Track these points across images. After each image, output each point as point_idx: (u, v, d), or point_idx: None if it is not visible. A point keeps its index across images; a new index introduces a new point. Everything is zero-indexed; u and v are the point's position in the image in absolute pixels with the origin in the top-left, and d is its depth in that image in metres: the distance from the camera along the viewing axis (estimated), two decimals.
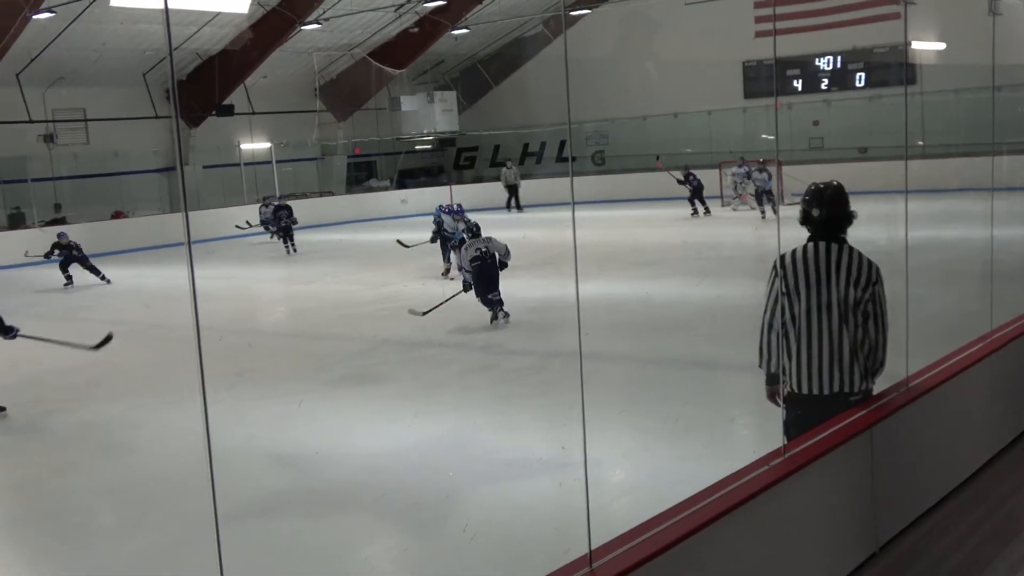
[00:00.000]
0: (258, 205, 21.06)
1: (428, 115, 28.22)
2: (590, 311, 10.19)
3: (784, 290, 3.90)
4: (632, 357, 8.67)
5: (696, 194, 21.05)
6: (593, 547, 2.86)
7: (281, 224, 19.08)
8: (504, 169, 26.40)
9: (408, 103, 28.26)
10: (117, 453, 6.93)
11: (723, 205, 21.67)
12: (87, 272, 16.00)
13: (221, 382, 8.25)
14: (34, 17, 18.81)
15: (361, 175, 29.86)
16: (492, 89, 30.34)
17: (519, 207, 24.98)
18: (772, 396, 4.09)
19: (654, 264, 14.51)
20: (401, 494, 5.60)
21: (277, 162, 26.46)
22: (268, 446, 6.76)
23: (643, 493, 5.04)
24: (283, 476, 6.18)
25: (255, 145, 26.19)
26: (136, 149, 23.73)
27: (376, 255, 18.14)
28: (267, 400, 8.06)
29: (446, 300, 10.71)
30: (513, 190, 25.68)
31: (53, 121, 22.29)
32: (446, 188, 27.92)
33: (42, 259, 16.45)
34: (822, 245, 3.93)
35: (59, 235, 16.42)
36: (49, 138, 22.25)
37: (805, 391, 3.92)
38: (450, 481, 5.65)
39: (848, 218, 3.97)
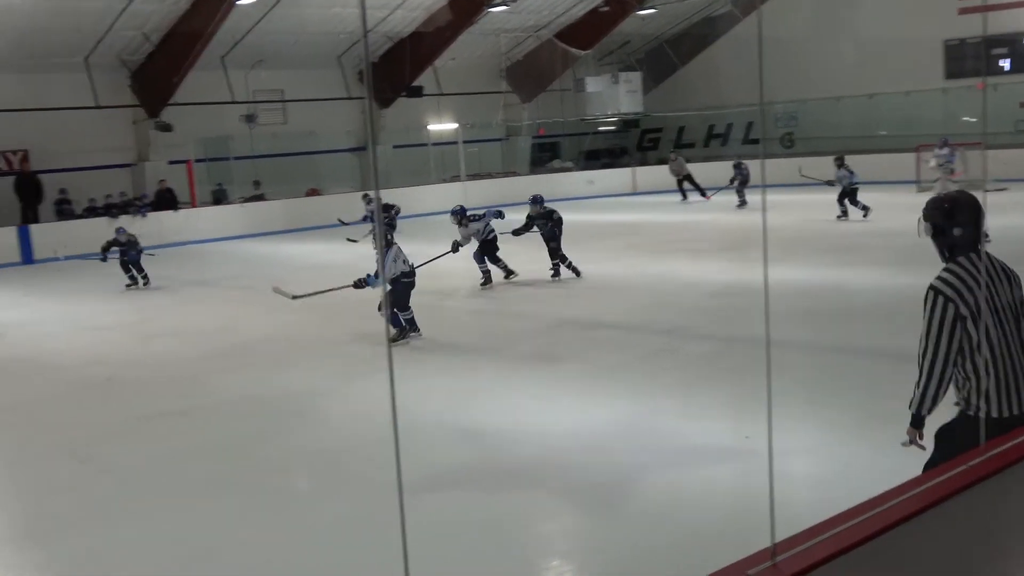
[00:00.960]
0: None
1: (612, 96, 28.12)
2: (778, 297, 9.97)
3: (965, 314, 3.55)
4: (821, 345, 8.38)
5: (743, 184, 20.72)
6: (776, 540, 2.79)
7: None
8: (669, 161, 24.94)
9: (593, 84, 28.26)
10: (314, 420, 7.27)
11: (919, 191, 20.33)
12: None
13: (407, 356, 8.63)
14: (238, 3, 20.07)
15: (545, 156, 30.11)
16: (678, 70, 29.86)
17: (702, 192, 23.74)
18: (916, 438, 3.76)
19: (847, 251, 13.96)
20: (580, 474, 5.65)
21: (463, 143, 27.15)
22: (453, 420, 6.94)
23: (831, 487, 4.89)
24: (466, 450, 6.32)
25: (442, 126, 26.91)
26: (330, 129, 24.80)
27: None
28: (450, 375, 8.31)
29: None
30: (686, 180, 24.26)
31: (254, 102, 23.52)
32: (628, 170, 27.78)
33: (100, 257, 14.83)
34: (973, 258, 3.62)
35: (118, 230, 15.10)
36: (250, 118, 23.43)
37: (1006, 414, 3.58)
38: (630, 464, 5.65)
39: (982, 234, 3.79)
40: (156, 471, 6.36)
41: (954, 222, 3.63)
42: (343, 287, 10.13)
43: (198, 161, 23.29)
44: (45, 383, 9.04)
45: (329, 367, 8.90)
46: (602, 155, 30.30)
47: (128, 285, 14.41)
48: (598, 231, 16.72)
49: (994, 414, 3.57)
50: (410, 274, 9.60)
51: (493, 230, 13.08)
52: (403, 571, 2.33)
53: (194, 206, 22.62)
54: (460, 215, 12.72)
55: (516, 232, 13.37)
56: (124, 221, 18.12)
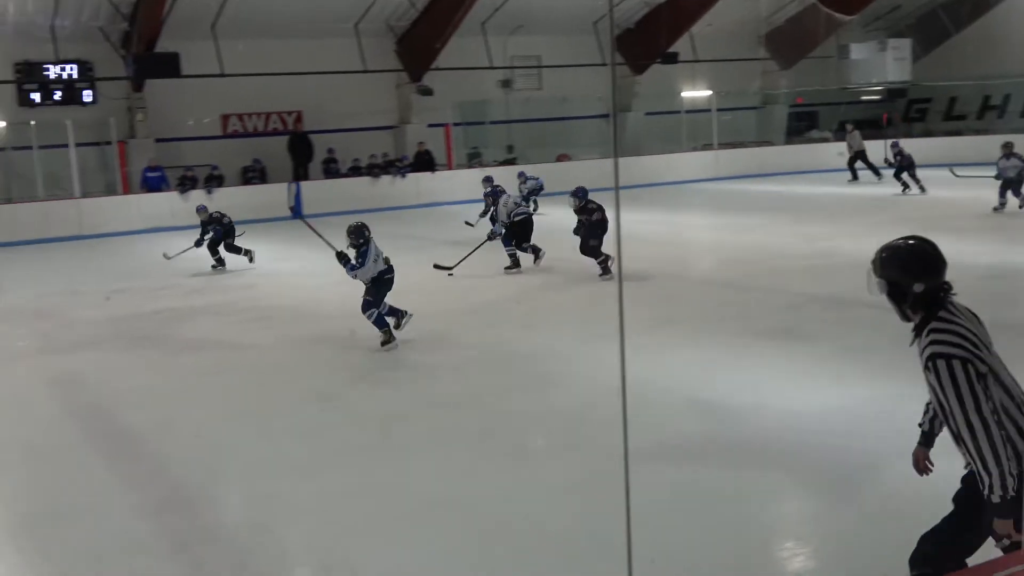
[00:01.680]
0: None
1: (879, 64, 26.43)
2: None
3: (984, 371, 3.01)
4: None
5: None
6: None
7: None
8: (847, 133, 22.90)
9: (858, 51, 26.70)
10: (552, 382, 7.40)
11: None
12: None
13: (642, 325, 8.50)
14: None
15: (801, 125, 28.81)
16: (952, 37, 27.59)
17: (875, 172, 21.48)
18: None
19: None
20: (820, 456, 5.46)
21: (717, 110, 26.51)
22: (688, 392, 6.87)
23: None
24: (700, 423, 6.25)
25: (696, 93, 26.43)
26: (583, 95, 24.78)
27: (811, 209, 17.62)
28: (689, 347, 8.19)
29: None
30: (858, 157, 22.15)
31: (511, 67, 24.07)
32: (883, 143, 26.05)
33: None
34: (951, 308, 3.14)
35: (199, 208, 14.35)
36: (507, 83, 24.12)
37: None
38: (878, 451, 5.38)
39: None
40: (399, 419, 6.70)
41: (917, 277, 3.15)
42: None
43: (455, 125, 24.08)
44: (303, 331, 9.67)
45: (569, 331, 9.01)
46: (863, 126, 28.57)
47: (213, 266, 13.81)
48: (855, 205, 15.83)
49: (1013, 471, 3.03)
50: (388, 270, 8.69)
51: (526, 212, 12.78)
52: (626, 537, 2.40)
53: (450, 168, 23.62)
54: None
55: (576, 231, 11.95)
56: (366, 183, 19.36)
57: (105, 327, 10.35)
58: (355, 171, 22.37)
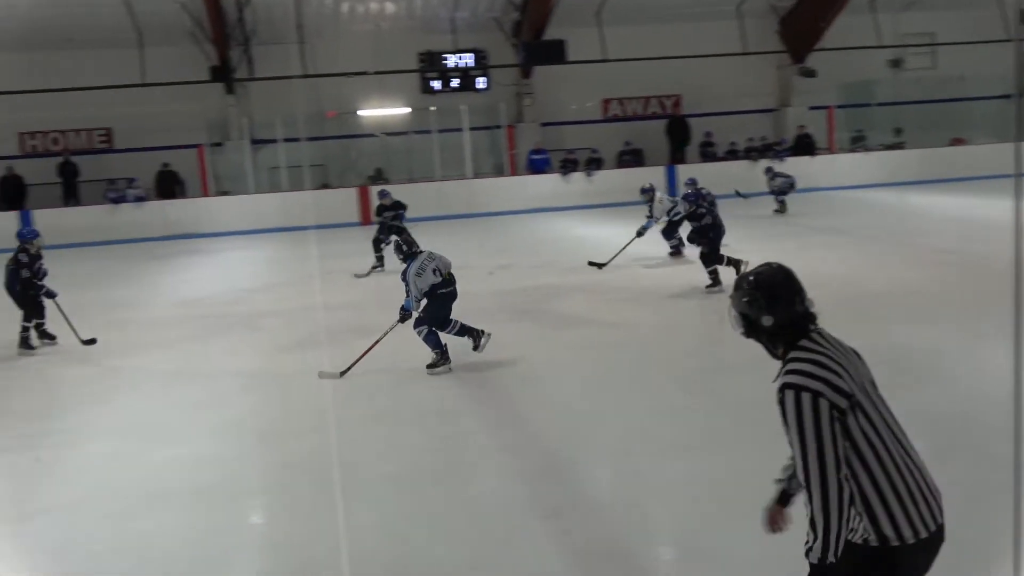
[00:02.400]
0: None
1: None
2: None
3: (844, 406, 2.73)
4: None
5: None
6: None
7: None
8: None
9: None
10: (930, 380, 7.20)
11: None
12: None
13: None
14: None
15: None
16: None
17: None
18: None
19: None
20: None
21: None
22: None
23: None
24: None
25: None
26: (982, 74, 23.57)
27: None
28: None
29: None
30: None
31: (901, 46, 23.42)
32: None
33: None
34: (816, 337, 2.91)
35: (381, 193, 14.63)
36: (896, 63, 23.43)
37: (923, 535, 2.74)
38: None
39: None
40: (762, 408, 7.13)
41: (763, 310, 2.92)
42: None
43: (838, 107, 23.97)
44: (670, 314, 10.13)
45: (954, 327, 8.68)
46: None
47: (374, 267, 13.87)
48: None
49: (908, 537, 2.73)
50: (443, 284, 8.15)
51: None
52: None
53: (832, 152, 23.80)
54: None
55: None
56: (744, 166, 20.25)
57: (488, 300, 11.23)
58: (732, 154, 22.86)
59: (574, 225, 17.68)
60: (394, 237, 10.86)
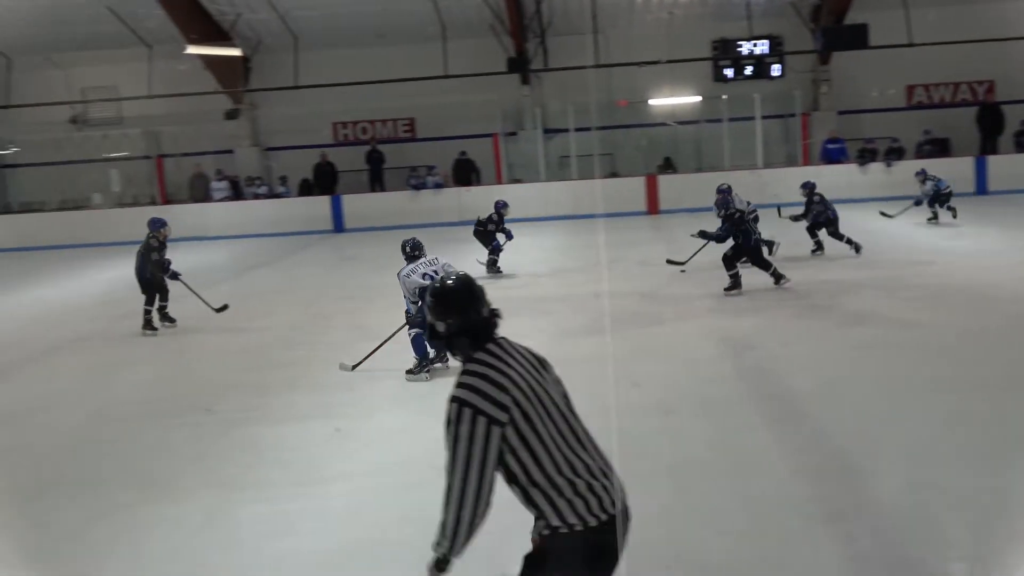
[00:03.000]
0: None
1: None
2: None
3: (505, 420, 3.10)
4: None
5: None
6: None
7: None
8: None
9: None
10: None
11: None
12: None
13: None
14: None
15: None
16: None
17: None
18: None
19: None
20: None
21: None
22: None
23: None
24: None
25: None
26: None
27: None
28: None
29: None
30: None
31: None
32: None
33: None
34: (493, 348, 3.24)
35: (805, 185, 14.48)
36: None
37: (603, 518, 3.17)
38: None
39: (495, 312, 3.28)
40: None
41: (438, 315, 3.27)
42: None
43: None
44: (972, 316, 9.81)
45: None
46: None
47: (813, 251, 14.11)
48: None
49: (592, 523, 3.14)
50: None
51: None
52: None
53: None
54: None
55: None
56: None
57: (774, 293, 11.38)
58: None
59: (869, 218, 17.95)
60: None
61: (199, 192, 23.94)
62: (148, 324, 11.59)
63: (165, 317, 11.84)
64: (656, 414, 7.14)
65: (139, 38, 23.42)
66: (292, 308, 12.76)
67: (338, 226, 22.43)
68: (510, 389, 3.11)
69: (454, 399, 3.09)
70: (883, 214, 16.68)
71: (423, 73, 22.44)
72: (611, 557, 3.23)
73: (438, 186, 22.60)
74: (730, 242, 11.88)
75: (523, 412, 3.11)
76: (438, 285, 3.37)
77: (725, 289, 11.68)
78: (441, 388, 7.90)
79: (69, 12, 21.76)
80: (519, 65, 22.81)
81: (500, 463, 3.12)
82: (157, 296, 11.64)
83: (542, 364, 3.32)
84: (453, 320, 3.26)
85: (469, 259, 15.82)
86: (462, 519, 3.10)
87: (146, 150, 24.68)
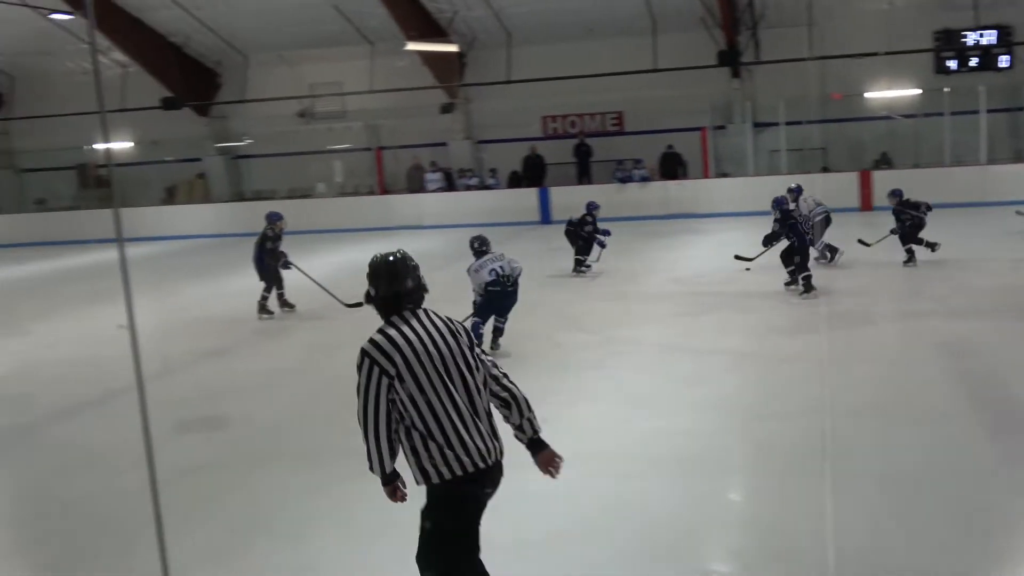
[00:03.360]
0: None
1: None
2: None
3: (394, 374, 3.86)
4: None
5: None
6: None
7: None
8: None
9: None
10: None
11: None
12: None
13: None
14: None
15: None
16: None
17: None
18: (396, 491, 4.06)
19: None
20: None
21: None
22: None
23: None
24: None
25: None
26: None
27: None
28: None
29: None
30: None
31: None
32: None
33: None
34: (406, 315, 4.00)
35: (894, 193, 13.68)
36: None
37: (470, 469, 3.88)
38: None
39: (422, 288, 4.05)
40: None
41: (371, 283, 4.02)
42: None
43: None
44: None
45: None
46: None
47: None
48: None
49: (458, 472, 3.83)
50: (496, 283, 9.47)
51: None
52: None
53: None
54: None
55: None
56: None
57: (1000, 296, 11.03)
58: None
59: None
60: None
61: (415, 183, 25.01)
62: (263, 309, 12.72)
63: (284, 304, 12.89)
64: (870, 418, 7.01)
65: (363, 36, 24.62)
66: None
67: (545, 217, 22.97)
68: (403, 348, 3.83)
69: (361, 350, 3.86)
70: None
71: (632, 67, 22.62)
72: (478, 504, 4.01)
73: (644, 179, 22.78)
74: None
75: (412, 370, 3.83)
76: (374, 260, 4.04)
77: (785, 284, 12.13)
78: (643, 389, 8.06)
79: (299, 13, 23.17)
80: (730, 58, 22.66)
81: (396, 412, 3.87)
82: (274, 284, 12.74)
83: (454, 334, 4.00)
84: (379, 288, 4.00)
85: (673, 254, 15.93)
86: (369, 445, 3.91)
87: (367, 142, 25.97)
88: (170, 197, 27.61)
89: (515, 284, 9.50)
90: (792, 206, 12.66)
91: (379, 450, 3.90)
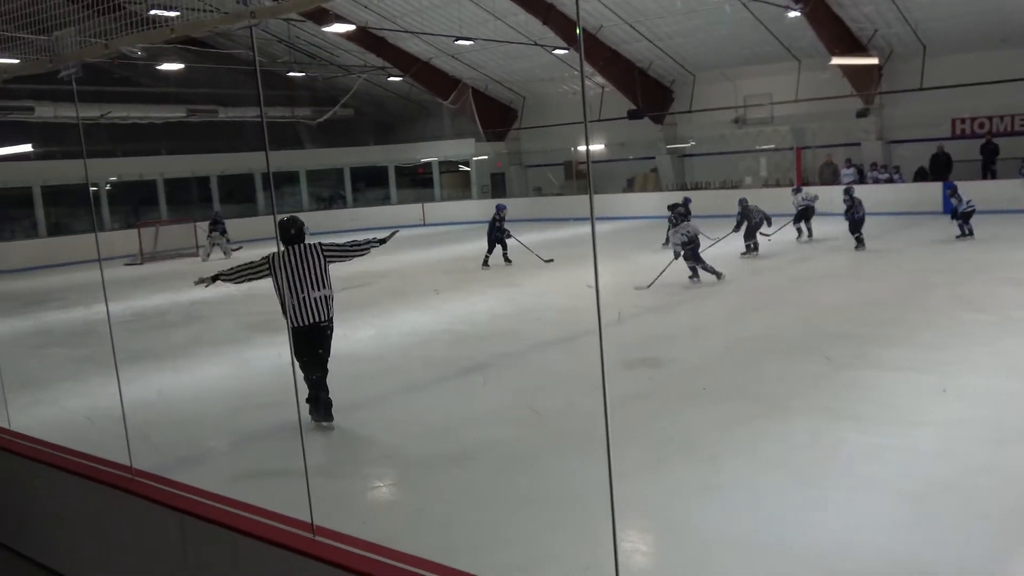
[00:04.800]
0: None
1: None
2: None
3: (273, 264, 6.77)
4: None
5: None
6: None
7: None
8: None
9: None
10: None
11: None
12: None
13: None
14: None
15: None
16: None
17: None
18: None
19: None
20: None
21: None
22: None
23: None
24: None
25: None
26: None
27: None
28: None
29: None
30: None
31: None
32: None
33: None
34: (296, 248, 6.82)
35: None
36: None
37: (305, 323, 6.66)
38: None
39: (301, 234, 6.92)
40: None
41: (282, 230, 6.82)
42: None
43: None
44: None
45: None
46: None
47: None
48: None
49: (299, 324, 6.62)
50: (687, 243, 13.10)
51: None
52: None
53: None
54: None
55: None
56: None
57: None
58: None
59: None
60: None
61: (827, 177, 24.39)
62: (485, 263, 17.22)
63: (507, 260, 17.39)
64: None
65: (791, 54, 24.28)
66: (894, 275, 13.05)
67: (947, 208, 21.26)
68: (281, 263, 6.63)
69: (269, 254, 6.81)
70: None
71: None
72: (312, 346, 6.72)
73: None
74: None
75: (279, 264, 6.64)
76: (283, 218, 6.85)
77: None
78: None
79: (741, 38, 23.62)
80: None
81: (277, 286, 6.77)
82: (497, 248, 17.38)
83: (316, 253, 6.80)
84: (281, 234, 6.62)
85: None
86: (241, 273, 6.85)
87: (790, 143, 25.73)
88: (629, 186, 29.32)
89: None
90: None
91: (239, 278, 6.85)
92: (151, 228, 25.51)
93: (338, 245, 7.10)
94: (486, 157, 32.78)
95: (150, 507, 4.05)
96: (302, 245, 6.73)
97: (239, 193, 32.24)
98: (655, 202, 27.35)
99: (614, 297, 12.12)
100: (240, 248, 23.76)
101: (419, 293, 14.47)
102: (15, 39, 4.94)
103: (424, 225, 31.01)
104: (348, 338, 10.78)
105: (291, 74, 29.81)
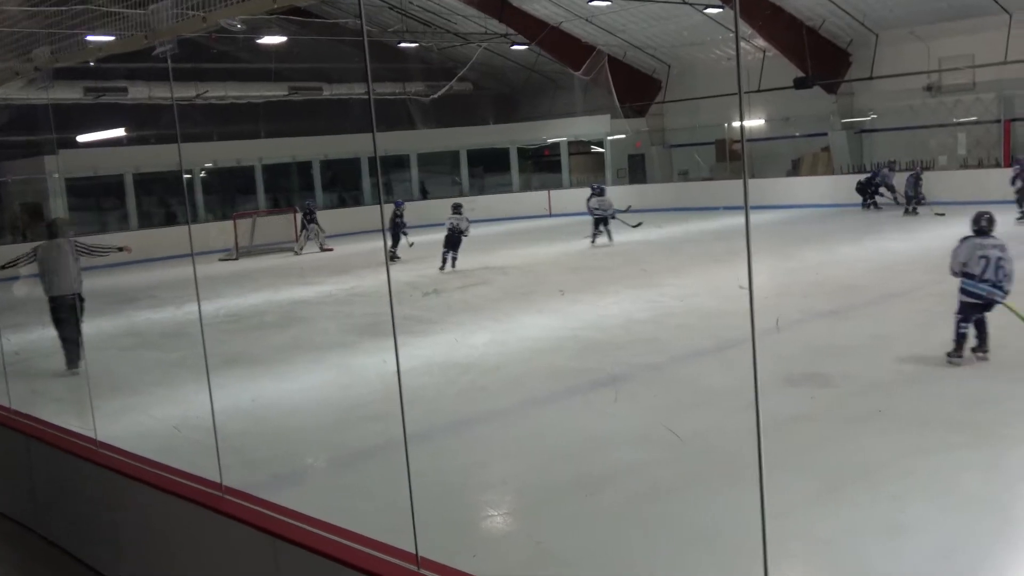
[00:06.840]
0: None
1: None
2: None
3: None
4: None
5: None
6: None
7: None
8: None
9: None
10: None
11: None
12: None
13: None
14: None
15: None
16: None
17: None
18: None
19: None
20: None
21: None
22: None
23: None
24: None
25: None
26: None
27: None
28: None
29: None
30: None
31: None
32: None
33: None
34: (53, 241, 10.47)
35: None
36: None
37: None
38: None
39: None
40: None
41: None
42: None
43: None
44: None
45: None
46: None
47: None
48: None
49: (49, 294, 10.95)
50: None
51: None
52: None
53: None
54: None
55: None
56: None
57: None
58: None
59: None
60: None
61: None
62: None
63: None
64: None
65: (1000, 5, 22.99)
66: None
67: None
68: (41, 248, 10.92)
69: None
70: None
71: None
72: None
73: None
74: None
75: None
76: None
77: None
78: None
79: None
80: None
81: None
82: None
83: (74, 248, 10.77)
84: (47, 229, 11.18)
85: None
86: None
87: (996, 114, 24.39)
88: (795, 169, 28.65)
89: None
90: None
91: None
92: (247, 219, 26.66)
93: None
94: (623, 136, 32.64)
95: (240, 529, 4.22)
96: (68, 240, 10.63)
97: (344, 180, 33.27)
98: (825, 187, 26.57)
99: (773, 300, 11.86)
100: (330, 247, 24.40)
101: (542, 293, 14.60)
102: (110, 15, 5.23)
103: (550, 216, 31.17)
104: (461, 344, 10.92)
105: (403, 44, 30.55)
